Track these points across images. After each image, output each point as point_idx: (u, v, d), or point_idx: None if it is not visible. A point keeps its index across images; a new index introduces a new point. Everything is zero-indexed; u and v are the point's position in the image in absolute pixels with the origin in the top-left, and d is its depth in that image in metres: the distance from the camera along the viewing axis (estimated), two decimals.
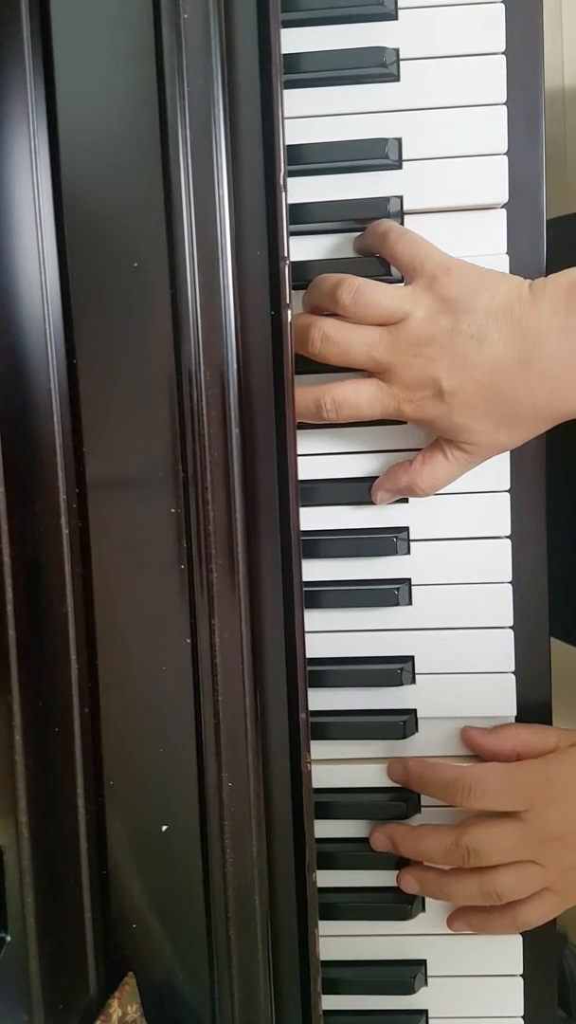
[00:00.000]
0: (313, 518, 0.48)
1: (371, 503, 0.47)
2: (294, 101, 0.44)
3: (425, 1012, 0.50)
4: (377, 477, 0.47)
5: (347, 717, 0.49)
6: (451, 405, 0.42)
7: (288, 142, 0.41)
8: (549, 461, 0.47)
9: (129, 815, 0.41)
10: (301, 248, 0.46)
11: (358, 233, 0.46)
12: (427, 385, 0.42)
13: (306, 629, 0.42)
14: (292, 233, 0.43)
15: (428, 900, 0.50)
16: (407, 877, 0.48)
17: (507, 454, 0.47)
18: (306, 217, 0.46)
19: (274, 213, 0.40)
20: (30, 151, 0.38)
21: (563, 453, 0.47)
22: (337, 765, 0.49)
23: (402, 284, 0.44)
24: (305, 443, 0.47)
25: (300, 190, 0.45)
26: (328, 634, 0.48)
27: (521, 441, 0.44)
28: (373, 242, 0.45)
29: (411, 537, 0.48)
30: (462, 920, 0.48)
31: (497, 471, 0.47)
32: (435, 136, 0.45)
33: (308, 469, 0.47)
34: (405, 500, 0.48)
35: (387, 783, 0.49)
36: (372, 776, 0.49)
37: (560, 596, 0.49)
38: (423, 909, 0.50)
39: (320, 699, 0.48)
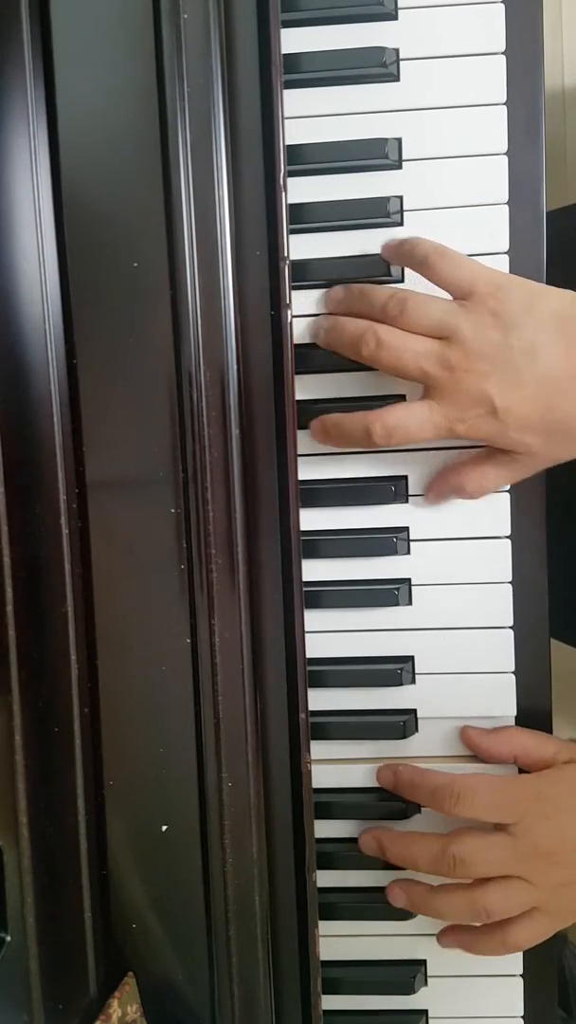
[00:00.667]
0: (313, 518, 0.48)
1: (371, 503, 0.47)
2: (294, 101, 0.44)
3: (425, 1012, 0.50)
4: (377, 477, 0.47)
5: (347, 717, 0.49)
6: (505, 422, 0.41)
7: (288, 142, 0.41)
8: None
9: (129, 815, 0.41)
10: (301, 248, 0.46)
11: (358, 233, 0.46)
12: (480, 402, 0.41)
13: (306, 629, 0.42)
14: (292, 233, 0.43)
15: None
16: (396, 890, 0.47)
17: None
18: (306, 217, 0.45)
19: (274, 213, 0.40)
20: (30, 151, 0.38)
21: None
22: (337, 765, 0.49)
23: (450, 298, 0.43)
24: (305, 443, 0.47)
25: (300, 190, 0.45)
26: (328, 634, 0.48)
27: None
28: (411, 265, 0.45)
29: (411, 537, 0.48)
30: (452, 937, 0.48)
31: None
32: (435, 136, 0.45)
33: (308, 469, 0.47)
34: (405, 500, 0.48)
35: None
36: (372, 776, 0.49)
37: (560, 597, 0.49)
38: None
39: (320, 699, 0.48)
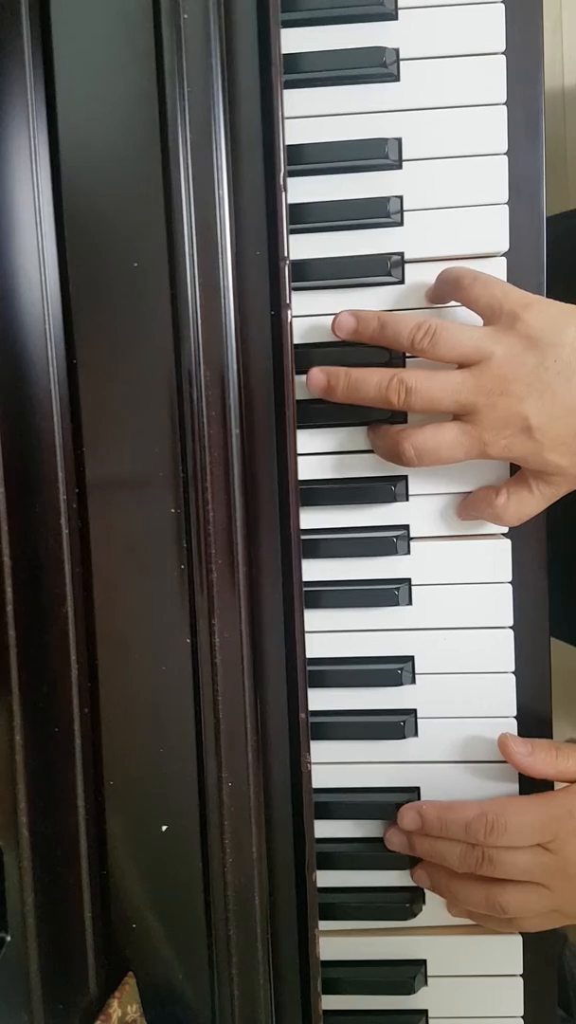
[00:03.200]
0: (313, 518, 0.48)
1: (371, 503, 0.47)
2: (294, 101, 0.44)
3: (425, 1012, 0.50)
4: (377, 477, 0.47)
5: (347, 717, 0.49)
6: (541, 442, 0.41)
7: (288, 142, 0.41)
8: None
9: (129, 815, 0.41)
10: (301, 248, 0.46)
11: (358, 233, 0.46)
12: (514, 423, 0.41)
13: (306, 629, 0.42)
14: (292, 233, 0.43)
15: (428, 900, 0.50)
16: (419, 872, 0.48)
17: None
18: (306, 217, 0.45)
19: (274, 213, 0.40)
20: (30, 151, 0.38)
21: None
22: (337, 765, 0.49)
23: (480, 324, 0.43)
24: (305, 443, 0.47)
25: (300, 190, 0.45)
26: (328, 634, 0.48)
27: None
28: (446, 289, 0.44)
29: (411, 537, 0.48)
30: (464, 911, 0.48)
31: (498, 471, 0.47)
32: (435, 136, 0.45)
33: (308, 469, 0.47)
34: (405, 500, 0.48)
35: (387, 783, 0.49)
36: (372, 776, 0.49)
37: (560, 596, 0.49)
38: (423, 909, 0.50)
39: (320, 699, 0.48)
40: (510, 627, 0.48)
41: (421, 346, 0.42)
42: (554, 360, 0.41)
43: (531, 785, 0.47)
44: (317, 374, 0.44)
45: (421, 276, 0.46)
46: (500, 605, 0.48)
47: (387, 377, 0.43)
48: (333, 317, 0.45)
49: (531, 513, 0.45)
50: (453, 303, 0.45)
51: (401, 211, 0.45)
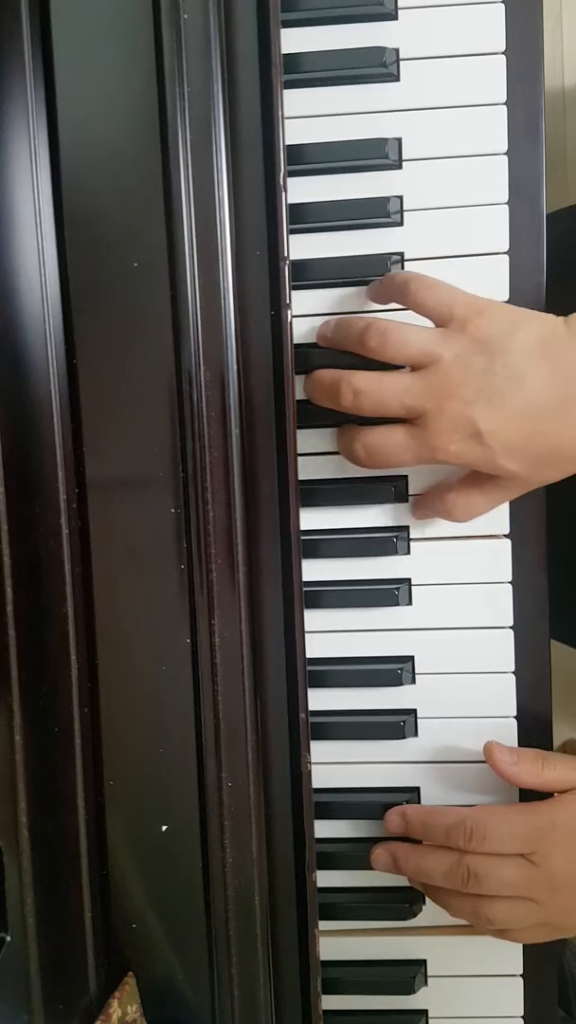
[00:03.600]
0: (313, 518, 0.48)
1: (371, 503, 0.47)
2: (294, 101, 0.44)
3: (425, 1012, 0.50)
4: (377, 477, 0.47)
5: (347, 717, 0.49)
6: (491, 448, 0.41)
7: (288, 142, 0.41)
8: None
9: (129, 815, 0.41)
10: (301, 248, 0.46)
11: (358, 233, 0.46)
12: (463, 428, 0.41)
13: (306, 629, 0.42)
14: (292, 233, 0.43)
15: (428, 900, 0.50)
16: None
17: None
18: (306, 217, 0.45)
19: (274, 213, 0.40)
20: (30, 151, 0.38)
21: None
22: (337, 765, 0.49)
23: (431, 327, 0.43)
24: (305, 443, 0.47)
25: (300, 190, 0.45)
26: (328, 634, 0.48)
27: (565, 475, 0.43)
28: (392, 293, 0.44)
29: (411, 537, 0.48)
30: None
31: None
32: (435, 136, 0.45)
33: (308, 469, 0.47)
34: (404, 499, 0.48)
35: (387, 783, 0.49)
36: (372, 776, 0.49)
37: (560, 598, 0.49)
38: (423, 909, 0.50)
39: (320, 699, 0.48)
40: (510, 627, 0.48)
41: (371, 346, 0.42)
42: (503, 365, 0.40)
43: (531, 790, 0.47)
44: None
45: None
46: (500, 605, 0.48)
47: (336, 378, 0.43)
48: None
49: (480, 512, 0.45)
50: (398, 306, 0.45)
51: (401, 211, 0.45)
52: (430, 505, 0.46)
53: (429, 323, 0.44)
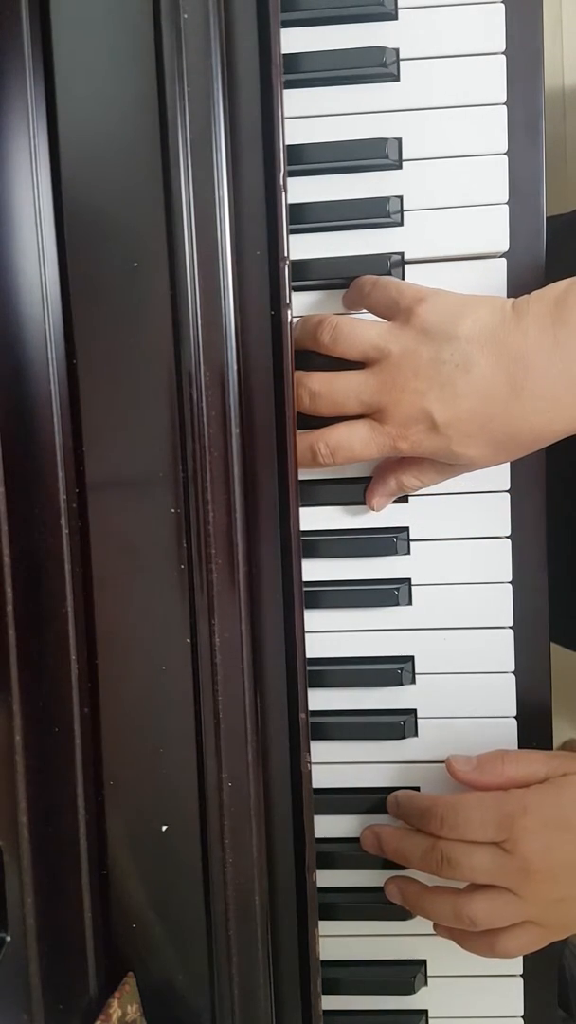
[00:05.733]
0: (313, 518, 0.48)
1: None
2: (294, 101, 0.44)
3: (425, 1012, 0.50)
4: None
5: (347, 717, 0.49)
6: (448, 436, 0.41)
7: (288, 142, 0.41)
8: (549, 461, 0.47)
9: (129, 815, 0.41)
10: (301, 248, 0.46)
11: (358, 233, 0.46)
12: (419, 419, 0.41)
13: (306, 629, 0.42)
14: (292, 233, 0.43)
15: None
16: (391, 886, 0.48)
17: None
18: (306, 217, 0.46)
19: (274, 213, 0.40)
20: (30, 151, 0.38)
21: (563, 453, 0.47)
22: (337, 765, 0.49)
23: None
24: None
25: (300, 190, 0.45)
26: (328, 634, 0.48)
27: (518, 456, 0.44)
28: (354, 297, 0.45)
29: (411, 537, 0.48)
30: (446, 931, 0.47)
31: (497, 471, 0.47)
32: (435, 136, 0.45)
33: (308, 469, 0.47)
34: (405, 500, 0.48)
35: (387, 783, 0.49)
36: (372, 776, 0.49)
37: (560, 601, 0.49)
38: None
39: (320, 699, 0.48)
40: (510, 627, 0.48)
41: (324, 343, 0.43)
42: (451, 353, 0.41)
43: None
44: None
45: (421, 276, 0.46)
46: (500, 605, 0.48)
47: (296, 381, 0.43)
48: None
49: (433, 483, 0.46)
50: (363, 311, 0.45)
51: (401, 211, 0.45)
52: (383, 484, 0.46)
53: None
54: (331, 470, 0.47)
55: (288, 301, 0.40)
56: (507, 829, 0.43)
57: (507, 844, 0.43)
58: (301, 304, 0.46)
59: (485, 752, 0.46)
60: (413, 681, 0.48)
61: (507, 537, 0.47)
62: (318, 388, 0.43)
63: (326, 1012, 0.45)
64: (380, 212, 0.45)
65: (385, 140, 0.45)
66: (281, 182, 0.39)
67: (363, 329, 0.43)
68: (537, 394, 0.40)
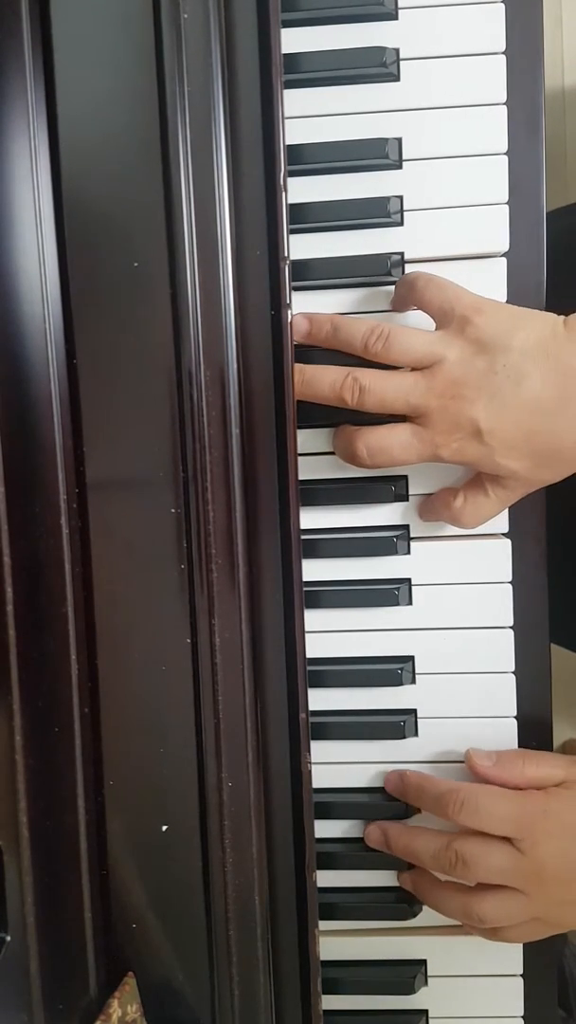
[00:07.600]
0: (313, 518, 0.48)
1: (371, 503, 0.47)
2: (294, 101, 0.44)
3: (425, 1012, 0.50)
4: (377, 477, 0.47)
5: (347, 717, 0.49)
6: (491, 446, 0.41)
7: (288, 142, 0.41)
8: None
9: (129, 815, 0.41)
10: (301, 248, 0.46)
11: (358, 233, 0.46)
12: (464, 427, 0.41)
13: (306, 629, 0.42)
14: (292, 233, 0.43)
15: None
16: (404, 876, 0.49)
17: None
18: (306, 217, 0.46)
19: (274, 213, 0.40)
20: (30, 151, 0.38)
21: None
22: (337, 765, 0.49)
23: (433, 329, 0.44)
24: (305, 443, 0.47)
25: (300, 190, 0.45)
26: (328, 634, 0.48)
27: (564, 476, 0.43)
28: (404, 292, 0.45)
29: (411, 537, 0.48)
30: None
31: None
32: (435, 136, 0.45)
33: (308, 469, 0.47)
34: (404, 499, 0.48)
35: None
36: (372, 776, 0.49)
37: (560, 601, 0.49)
38: (423, 909, 0.50)
39: (320, 699, 0.48)
40: (510, 627, 0.48)
41: (375, 350, 0.43)
42: (503, 364, 0.41)
43: None
44: None
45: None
46: (500, 605, 0.48)
47: (341, 376, 0.43)
48: None
49: (488, 516, 0.45)
50: (414, 308, 0.45)
51: (401, 211, 0.45)
52: (437, 511, 0.46)
53: (429, 325, 0.44)
54: (331, 471, 0.47)
55: (288, 301, 0.40)
56: (526, 829, 0.43)
57: (523, 844, 0.43)
58: (301, 304, 0.46)
59: (504, 750, 0.47)
60: (413, 681, 0.48)
61: (507, 537, 0.47)
62: (368, 383, 0.42)
63: (326, 1012, 0.45)
64: (380, 212, 0.45)
65: (385, 140, 0.45)
66: (281, 182, 0.39)
67: (416, 336, 0.42)
68: None
